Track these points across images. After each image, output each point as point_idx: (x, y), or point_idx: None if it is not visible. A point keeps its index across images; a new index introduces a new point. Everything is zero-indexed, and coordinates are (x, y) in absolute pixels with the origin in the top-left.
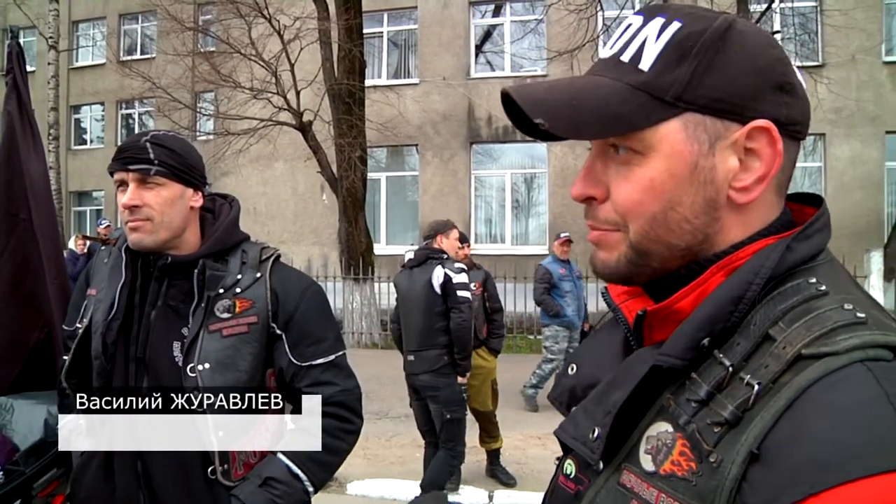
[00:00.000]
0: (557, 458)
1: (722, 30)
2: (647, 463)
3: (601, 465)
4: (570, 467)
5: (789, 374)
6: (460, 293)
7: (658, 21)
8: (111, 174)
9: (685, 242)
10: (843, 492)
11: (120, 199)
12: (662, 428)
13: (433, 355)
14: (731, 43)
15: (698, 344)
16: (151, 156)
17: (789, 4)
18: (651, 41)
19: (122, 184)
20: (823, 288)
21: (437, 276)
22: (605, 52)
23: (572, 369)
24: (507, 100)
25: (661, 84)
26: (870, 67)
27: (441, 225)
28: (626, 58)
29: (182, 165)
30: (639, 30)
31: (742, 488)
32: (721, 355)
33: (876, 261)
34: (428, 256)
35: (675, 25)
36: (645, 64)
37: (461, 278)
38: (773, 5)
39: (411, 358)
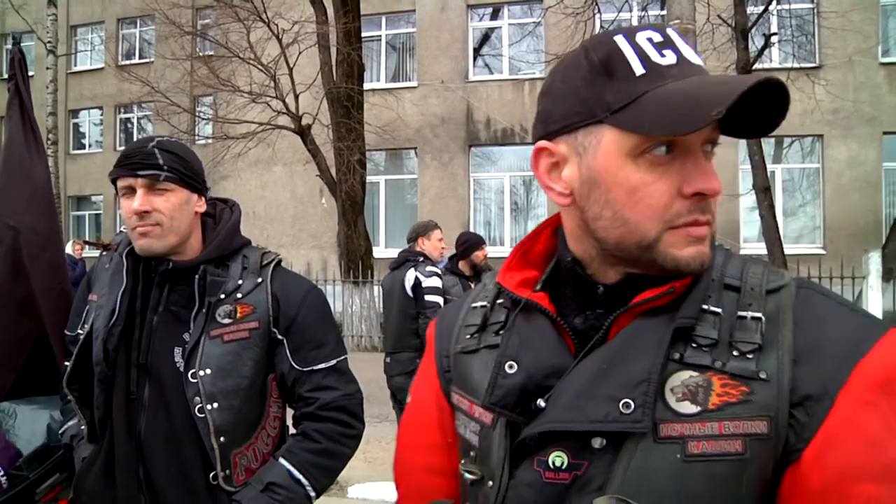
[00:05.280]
0: (511, 467)
1: None
2: (685, 408)
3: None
4: (559, 459)
5: (769, 303)
6: (428, 297)
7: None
8: (113, 180)
9: None
10: (879, 346)
11: (125, 205)
12: (684, 376)
13: (406, 358)
14: None
15: (701, 305)
16: (161, 161)
17: (786, 6)
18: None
19: (130, 190)
20: (726, 248)
21: (409, 278)
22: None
23: (511, 367)
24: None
25: None
26: (866, 69)
27: (422, 227)
28: None
29: (188, 171)
30: None
31: (794, 385)
32: (710, 307)
33: (874, 261)
34: (406, 258)
35: None
36: None
37: (431, 282)
38: (771, 7)
39: (388, 360)
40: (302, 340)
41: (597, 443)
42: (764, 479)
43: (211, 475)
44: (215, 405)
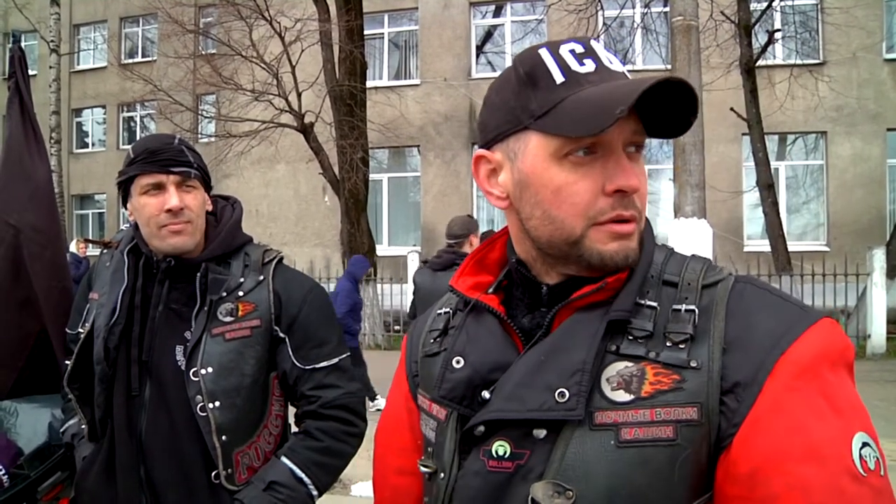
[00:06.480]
0: (461, 453)
1: None
2: (619, 396)
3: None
4: (502, 448)
5: (704, 297)
6: None
7: None
8: (130, 177)
9: None
10: (807, 334)
11: (149, 202)
12: (620, 366)
13: None
14: None
15: (636, 299)
16: (190, 159)
17: (790, 3)
18: None
19: (156, 187)
20: (670, 248)
21: None
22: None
23: (458, 362)
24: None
25: None
26: (870, 65)
27: (472, 224)
28: None
29: (206, 170)
30: None
31: (724, 373)
32: (647, 301)
33: (878, 258)
34: (453, 262)
35: None
36: None
37: None
38: (774, 3)
39: None
40: (304, 338)
41: (538, 433)
42: (699, 467)
43: (213, 474)
44: (217, 404)
